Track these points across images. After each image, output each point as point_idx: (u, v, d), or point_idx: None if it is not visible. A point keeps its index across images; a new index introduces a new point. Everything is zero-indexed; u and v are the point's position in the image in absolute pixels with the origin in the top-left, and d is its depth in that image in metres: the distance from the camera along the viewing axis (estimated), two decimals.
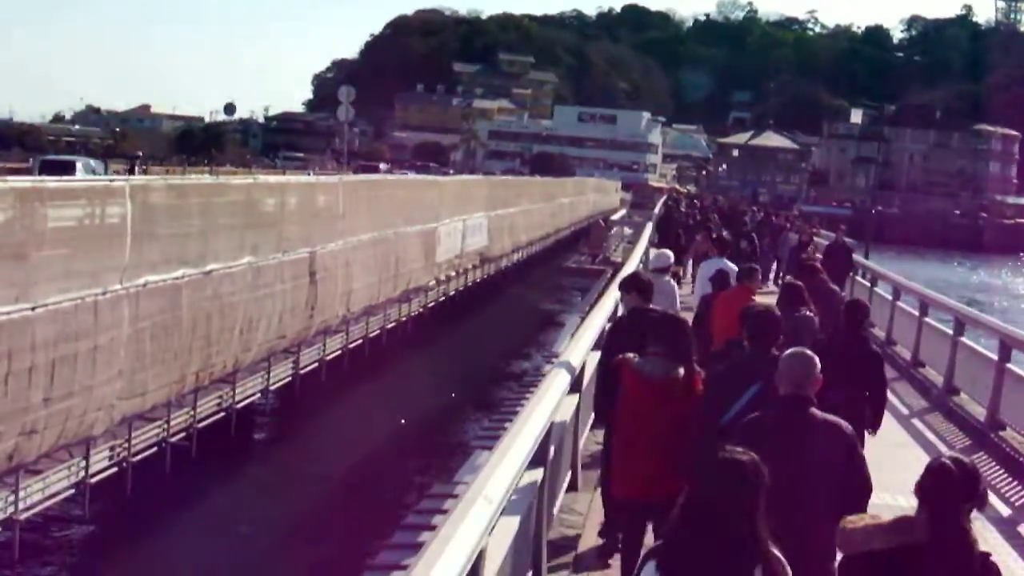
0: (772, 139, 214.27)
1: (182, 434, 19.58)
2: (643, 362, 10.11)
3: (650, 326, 10.65)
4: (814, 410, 7.72)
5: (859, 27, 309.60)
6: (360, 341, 29.55)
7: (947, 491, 5.63)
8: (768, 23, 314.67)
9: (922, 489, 5.74)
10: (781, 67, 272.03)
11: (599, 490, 12.77)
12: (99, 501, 17.84)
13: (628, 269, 23.35)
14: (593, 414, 13.43)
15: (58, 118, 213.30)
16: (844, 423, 7.81)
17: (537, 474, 9.62)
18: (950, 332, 22.27)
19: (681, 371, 10.01)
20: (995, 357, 19.15)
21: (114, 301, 16.14)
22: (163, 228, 17.79)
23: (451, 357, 35.70)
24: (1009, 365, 18.64)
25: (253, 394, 22.91)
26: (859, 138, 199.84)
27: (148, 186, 18.15)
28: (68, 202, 15.48)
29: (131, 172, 52.27)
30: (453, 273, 39.90)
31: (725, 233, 30.09)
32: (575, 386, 12.28)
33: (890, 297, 28.23)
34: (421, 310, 35.63)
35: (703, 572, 5.42)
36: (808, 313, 14.68)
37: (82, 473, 16.50)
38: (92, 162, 55.02)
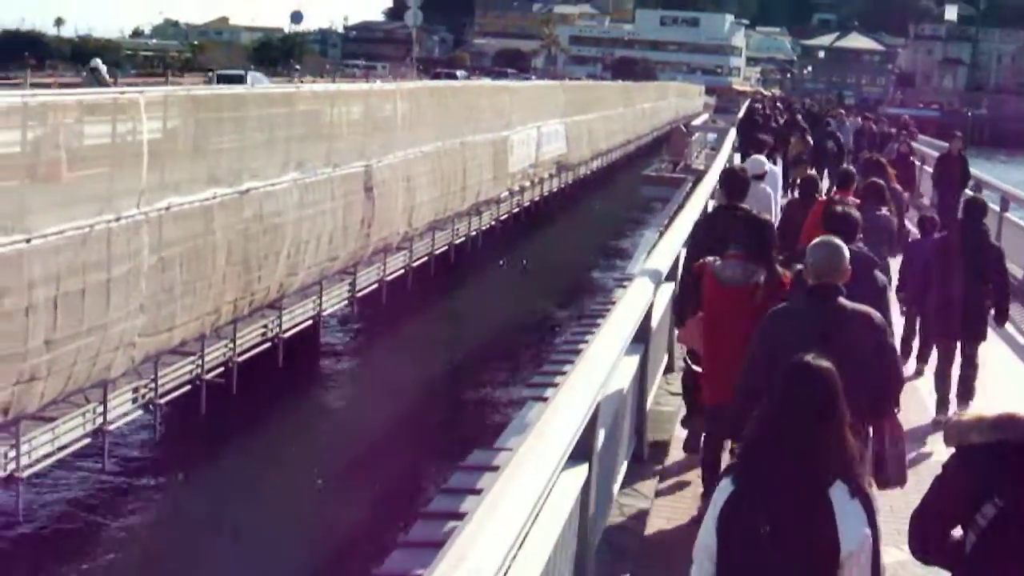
0: (857, 40, 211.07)
1: (220, 369, 17.91)
2: (723, 266, 9.72)
3: (735, 224, 10.34)
4: (843, 300, 7.49)
5: None
6: (425, 258, 27.84)
7: None
8: None
9: None
10: None
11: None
12: (123, 447, 16.26)
13: (711, 176, 21.75)
14: (675, 314, 12.51)
15: (137, 32, 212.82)
16: (875, 313, 7.66)
17: (638, 351, 10.02)
18: None
19: (763, 275, 9.56)
20: None
21: (131, 228, 14.41)
22: (188, 145, 16.05)
23: (525, 273, 34.03)
24: None
25: (304, 321, 21.17)
26: (946, 39, 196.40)
27: (168, 99, 16.33)
28: (72, 118, 13.76)
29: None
30: (528, 183, 38.15)
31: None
32: (670, 276, 12.18)
33: (997, 208, 25.00)
34: (493, 223, 33.90)
35: (779, 486, 5.23)
36: (886, 212, 14.63)
37: (100, 420, 14.83)
38: (259, 75, 57.79)
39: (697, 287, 10.12)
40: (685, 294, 11.35)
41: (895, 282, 14.10)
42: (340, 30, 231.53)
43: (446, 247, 29.54)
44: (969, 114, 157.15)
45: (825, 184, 32.09)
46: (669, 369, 13.73)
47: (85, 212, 13.64)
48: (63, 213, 13.25)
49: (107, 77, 38.53)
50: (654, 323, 11.13)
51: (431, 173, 26.99)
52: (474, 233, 31.97)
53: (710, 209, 14.35)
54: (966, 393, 13.35)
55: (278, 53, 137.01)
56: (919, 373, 14.77)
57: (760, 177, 17.56)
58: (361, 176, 22.47)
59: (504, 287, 32.07)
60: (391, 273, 25.61)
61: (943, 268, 13.56)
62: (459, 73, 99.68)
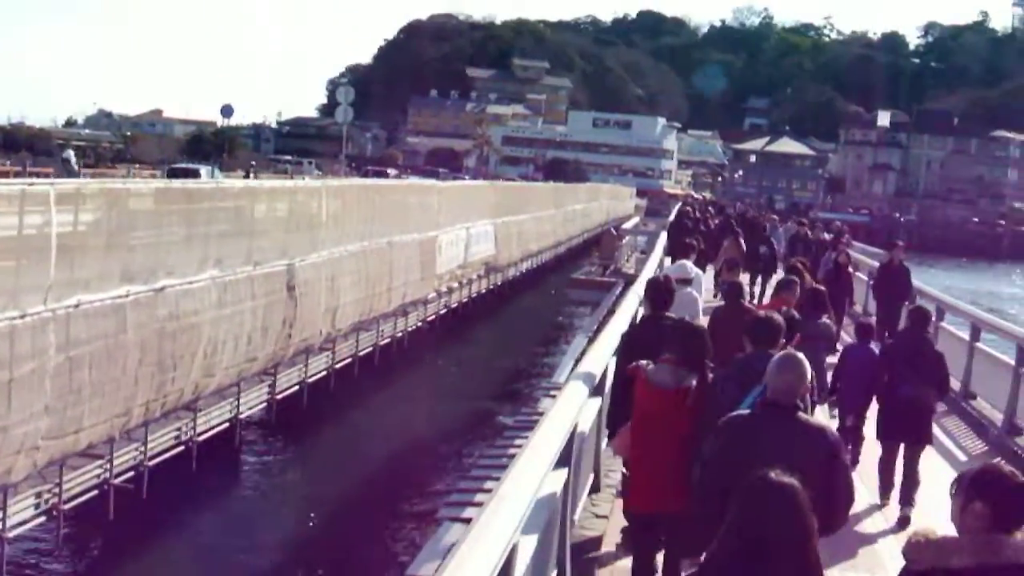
0: (788, 145, 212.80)
1: (129, 474, 17.18)
2: (655, 369, 9.83)
3: (665, 333, 10.52)
4: (800, 414, 7.57)
5: (875, 33, 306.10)
6: (349, 360, 27.20)
7: None
8: (784, 29, 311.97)
9: (1018, 509, 5.41)
10: (797, 73, 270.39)
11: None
12: (23, 556, 15.51)
13: (642, 280, 21.26)
14: (608, 426, 12.35)
15: (70, 122, 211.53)
16: (829, 428, 7.77)
17: (562, 474, 9.74)
18: (1010, 361, 19.71)
19: (694, 380, 9.69)
20: None
21: (37, 325, 13.77)
22: (100, 239, 15.45)
23: (449, 376, 33.45)
24: None
25: (220, 424, 20.47)
26: (876, 144, 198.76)
27: (80, 191, 15.73)
28: None
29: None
30: (456, 284, 37.64)
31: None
32: (597, 390, 12.13)
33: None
34: (419, 324, 33.29)
35: None
36: (827, 320, 15.09)
37: None
38: (208, 168, 59.09)
39: (629, 392, 10.19)
40: (617, 402, 11.35)
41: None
42: (273, 125, 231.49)
43: (371, 348, 28.90)
44: (901, 219, 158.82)
45: (757, 289, 31.88)
46: (595, 489, 13.54)
47: None
48: None
49: (76, 167, 38.57)
50: (580, 442, 10.86)
51: (356, 273, 26.46)
52: (400, 334, 31.36)
53: (638, 319, 14.32)
54: (908, 498, 13.79)
55: (210, 146, 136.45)
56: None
57: (687, 282, 17.74)
58: (283, 275, 21.90)
59: (429, 391, 31.44)
60: (313, 375, 24.96)
61: (890, 374, 14.41)
62: (390, 171, 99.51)
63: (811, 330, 13.54)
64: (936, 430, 15.92)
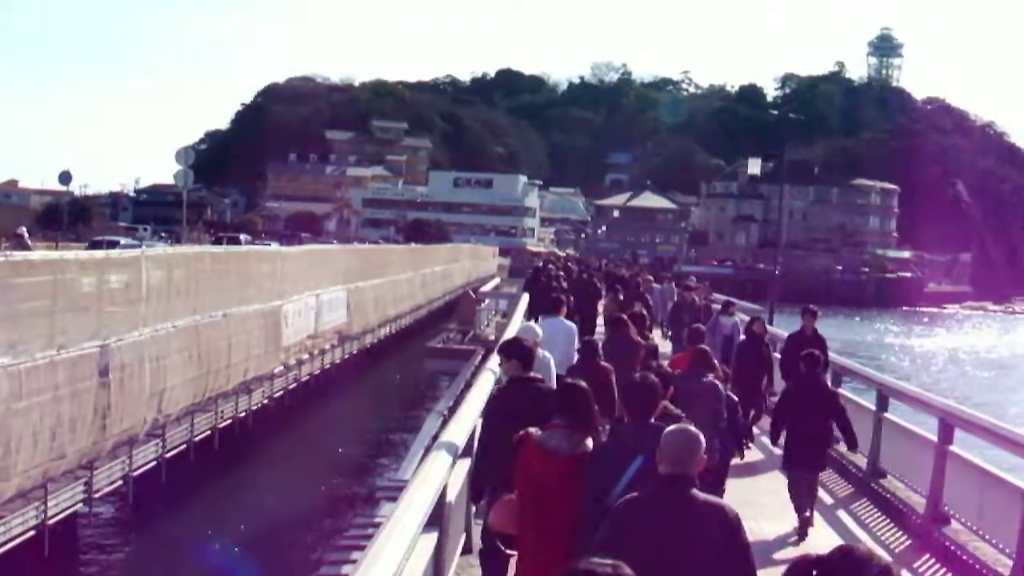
0: (650, 200, 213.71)
1: None
2: (548, 435, 9.37)
3: (539, 395, 10.40)
4: (696, 491, 7.13)
5: (733, 86, 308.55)
6: (183, 446, 24.65)
7: None
8: (642, 84, 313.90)
9: None
10: (657, 128, 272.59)
11: None
12: None
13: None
14: (472, 491, 11.93)
15: None
16: (727, 505, 7.29)
17: (433, 536, 9.58)
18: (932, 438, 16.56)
19: (589, 443, 9.35)
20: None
21: None
22: None
23: (296, 458, 31.02)
24: None
25: (23, 532, 17.79)
26: (739, 196, 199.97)
27: None
28: None
29: None
30: (306, 356, 35.19)
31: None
32: (465, 451, 11.80)
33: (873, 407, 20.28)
34: (265, 402, 30.80)
35: None
36: (712, 379, 14.76)
37: None
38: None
39: (499, 457, 10.00)
40: (481, 467, 11.13)
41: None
42: (131, 193, 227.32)
43: (209, 431, 26.37)
44: (765, 269, 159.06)
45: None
46: (467, 550, 12.84)
47: None
48: None
49: (29, 243, 36.78)
50: (450, 500, 10.53)
51: (187, 350, 23.96)
52: (243, 414, 28.86)
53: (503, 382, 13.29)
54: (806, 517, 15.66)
55: (67, 217, 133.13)
56: None
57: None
58: (95, 358, 19.34)
59: (278, 471, 28.96)
60: (139, 467, 22.39)
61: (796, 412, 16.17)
62: (243, 237, 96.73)
63: (695, 388, 13.93)
64: (845, 517, 16.48)
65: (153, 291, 22.14)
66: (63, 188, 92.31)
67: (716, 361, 15.89)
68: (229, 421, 27.86)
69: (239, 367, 27.68)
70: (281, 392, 32.44)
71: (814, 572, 5.00)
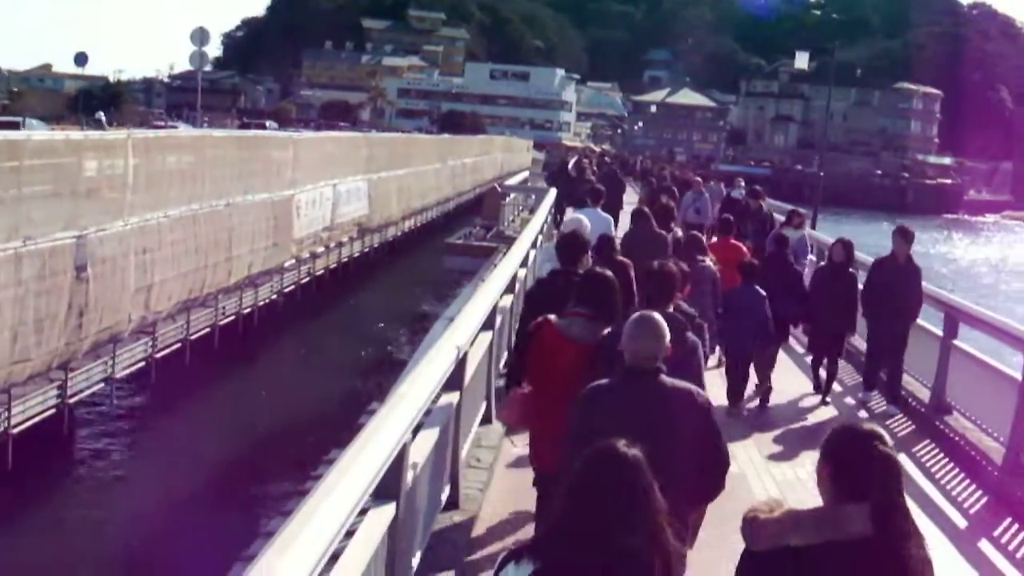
0: (689, 97, 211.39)
1: None
2: (568, 323, 9.17)
3: (577, 284, 9.83)
4: (664, 377, 7.00)
5: None
6: (177, 345, 22.89)
7: (896, 478, 4.62)
8: None
9: (866, 476, 4.55)
10: (697, 25, 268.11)
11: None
12: None
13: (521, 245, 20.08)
14: (506, 377, 12.38)
15: None
16: (697, 391, 7.17)
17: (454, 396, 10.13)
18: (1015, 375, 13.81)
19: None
20: None
21: None
22: None
23: (303, 358, 29.34)
24: None
25: None
26: (779, 96, 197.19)
27: None
28: None
29: None
30: (321, 249, 33.35)
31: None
32: (488, 324, 12.41)
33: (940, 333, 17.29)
34: (274, 297, 29.03)
35: None
36: (708, 262, 15.27)
37: None
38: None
39: (530, 347, 9.52)
40: (519, 356, 10.56)
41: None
42: (165, 79, 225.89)
43: (208, 329, 24.62)
44: (803, 171, 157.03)
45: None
46: (487, 420, 13.19)
47: None
48: None
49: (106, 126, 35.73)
50: (470, 370, 11.03)
51: (182, 243, 22.12)
52: (248, 310, 27.10)
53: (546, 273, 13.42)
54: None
55: (99, 102, 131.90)
56: None
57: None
58: (69, 251, 17.48)
59: (280, 373, 27.28)
60: (128, 367, 20.66)
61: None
62: (269, 124, 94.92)
63: (695, 273, 13.48)
64: (909, 463, 13.50)
65: (141, 178, 20.22)
66: (97, 74, 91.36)
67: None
68: (232, 318, 26.12)
69: (243, 260, 25.94)
70: (292, 287, 30.66)
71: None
